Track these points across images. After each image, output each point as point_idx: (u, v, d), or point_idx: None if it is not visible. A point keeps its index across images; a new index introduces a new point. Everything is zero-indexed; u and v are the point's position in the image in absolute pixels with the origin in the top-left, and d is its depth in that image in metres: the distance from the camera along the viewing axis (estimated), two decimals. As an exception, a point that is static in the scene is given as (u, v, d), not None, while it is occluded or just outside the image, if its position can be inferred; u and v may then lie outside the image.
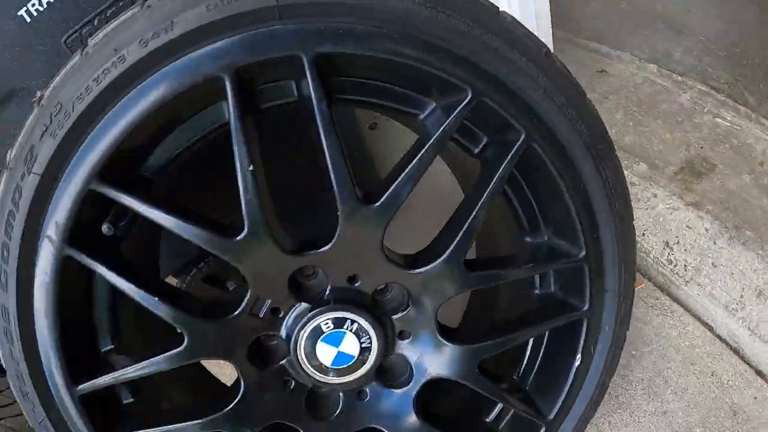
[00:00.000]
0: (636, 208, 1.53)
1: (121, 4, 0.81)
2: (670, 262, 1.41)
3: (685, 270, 1.40)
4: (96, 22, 0.81)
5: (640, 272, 1.46)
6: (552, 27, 1.92)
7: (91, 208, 0.69)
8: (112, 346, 0.84)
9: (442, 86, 0.69)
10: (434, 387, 0.87)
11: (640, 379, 1.28)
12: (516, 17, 0.70)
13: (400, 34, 0.63)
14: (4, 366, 0.75)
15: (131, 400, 0.86)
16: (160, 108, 0.62)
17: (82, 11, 0.80)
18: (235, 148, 0.62)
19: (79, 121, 0.63)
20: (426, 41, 0.65)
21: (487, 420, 0.95)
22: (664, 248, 1.44)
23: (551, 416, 0.90)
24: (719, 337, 1.35)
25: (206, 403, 0.89)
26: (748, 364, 1.30)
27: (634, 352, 1.32)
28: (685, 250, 1.43)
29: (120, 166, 0.66)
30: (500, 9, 0.70)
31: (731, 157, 1.66)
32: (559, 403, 0.90)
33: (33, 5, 0.76)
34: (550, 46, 1.64)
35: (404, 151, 0.72)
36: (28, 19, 0.78)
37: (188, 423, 0.80)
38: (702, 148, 1.69)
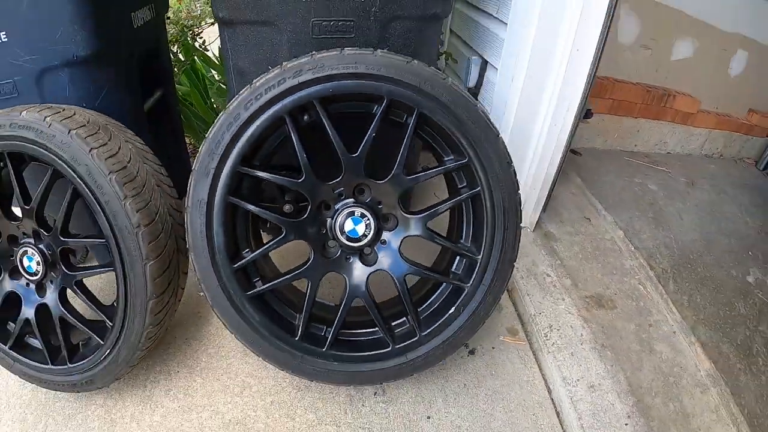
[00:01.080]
0: (547, 299, 2.25)
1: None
2: (546, 336, 2.13)
3: (552, 346, 2.11)
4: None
5: (526, 334, 2.19)
6: (570, 172, 2.67)
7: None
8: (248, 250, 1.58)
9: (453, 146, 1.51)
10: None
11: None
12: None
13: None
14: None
15: (257, 278, 1.59)
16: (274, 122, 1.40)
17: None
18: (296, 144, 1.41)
19: (243, 124, 1.38)
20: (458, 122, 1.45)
21: (452, 269, 1.66)
22: (548, 328, 2.16)
23: (480, 255, 1.54)
24: (551, 398, 1.88)
25: (296, 268, 1.57)
26: (561, 425, 1.79)
27: (493, 380, 2.05)
28: (559, 336, 2.13)
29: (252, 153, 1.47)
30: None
31: (632, 310, 2.29)
32: (483, 248, 1.53)
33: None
34: (552, 174, 2.44)
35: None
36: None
37: (287, 276, 1.55)
38: (616, 294, 2.37)
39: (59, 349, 1.68)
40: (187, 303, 2.09)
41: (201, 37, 2.98)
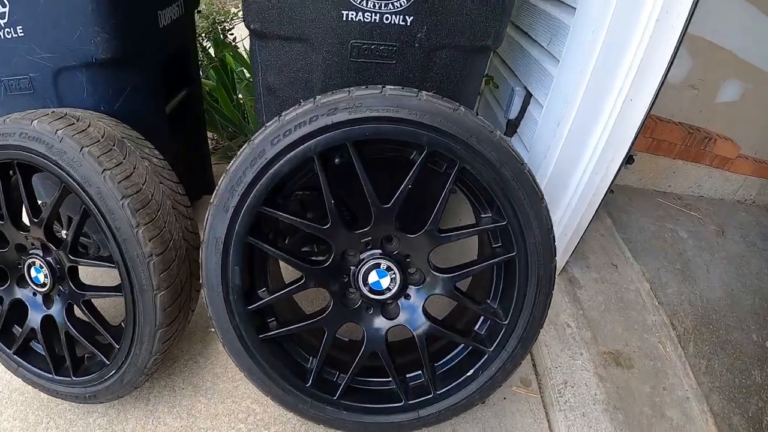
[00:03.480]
0: (565, 352, 2.15)
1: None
2: (560, 393, 1.99)
3: (564, 404, 1.97)
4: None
5: (539, 387, 2.06)
6: (601, 211, 2.51)
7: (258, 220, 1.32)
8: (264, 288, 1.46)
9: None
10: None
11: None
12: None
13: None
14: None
15: (272, 318, 1.47)
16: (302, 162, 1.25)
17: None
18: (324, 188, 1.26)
19: (269, 162, 1.23)
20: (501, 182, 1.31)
21: (475, 328, 1.52)
22: (562, 384, 2.02)
23: (506, 321, 1.41)
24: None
25: (314, 314, 1.46)
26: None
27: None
28: (573, 394, 2.00)
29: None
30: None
31: (648, 371, 2.14)
32: (510, 314, 1.40)
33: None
34: (585, 224, 2.28)
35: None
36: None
37: (302, 323, 1.43)
38: (634, 352, 2.24)
39: (63, 360, 1.59)
40: (195, 315, 1.97)
41: (232, 33, 2.84)
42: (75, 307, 1.55)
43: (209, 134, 2.65)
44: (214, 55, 2.77)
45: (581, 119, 1.79)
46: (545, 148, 1.88)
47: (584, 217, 2.06)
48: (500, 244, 1.40)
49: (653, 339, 2.36)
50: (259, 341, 1.40)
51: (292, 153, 1.22)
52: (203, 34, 2.83)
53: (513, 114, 2.15)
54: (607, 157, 1.89)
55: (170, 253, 1.38)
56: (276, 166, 1.24)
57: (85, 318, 1.54)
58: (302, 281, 1.37)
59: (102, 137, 1.35)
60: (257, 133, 1.25)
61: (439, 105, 1.21)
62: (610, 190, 2.54)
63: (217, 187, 1.28)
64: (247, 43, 2.75)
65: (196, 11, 2.14)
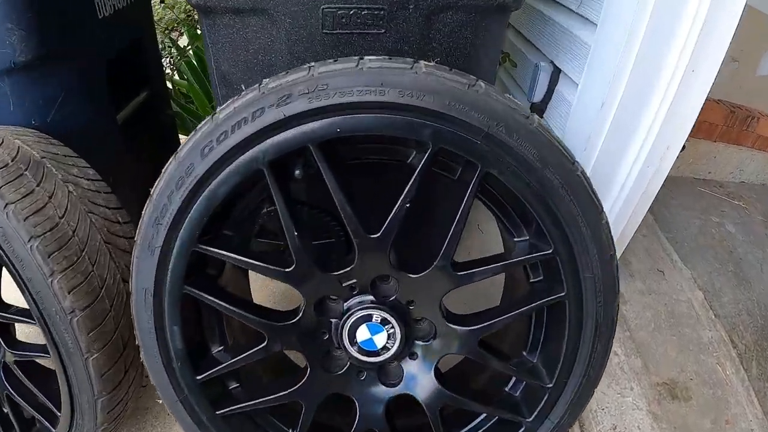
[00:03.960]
0: (612, 388, 1.75)
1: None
2: (608, 441, 1.60)
3: (613, 453, 1.58)
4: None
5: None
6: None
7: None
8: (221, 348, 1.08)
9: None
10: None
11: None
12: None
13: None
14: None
15: (235, 385, 1.09)
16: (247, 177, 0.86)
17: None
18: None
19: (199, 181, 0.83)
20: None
21: (506, 389, 1.10)
22: (611, 428, 1.62)
23: (551, 384, 1.00)
24: None
25: (286, 383, 1.05)
26: None
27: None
28: (625, 441, 1.61)
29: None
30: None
31: (708, 402, 1.77)
32: (557, 375, 0.99)
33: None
34: (633, 229, 1.86)
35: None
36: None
37: (271, 396, 1.03)
38: (691, 380, 1.85)
39: (11, 424, 1.32)
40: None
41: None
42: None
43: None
44: (184, 48, 2.39)
45: (630, 96, 1.36)
46: (585, 136, 1.44)
47: (631, 220, 1.64)
48: (541, 278, 0.98)
49: (711, 360, 1.96)
50: (217, 418, 1.01)
51: (230, 167, 0.81)
52: (170, 27, 2.47)
53: (538, 96, 1.71)
54: (662, 144, 1.47)
55: (101, 305, 1.06)
56: (210, 187, 0.83)
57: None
58: (264, 344, 0.96)
59: (12, 160, 1.01)
60: (185, 142, 0.84)
61: (447, 80, 0.79)
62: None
63: (140, 220, 0.88)
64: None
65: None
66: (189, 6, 2.48)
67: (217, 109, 0.84)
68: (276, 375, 1.21)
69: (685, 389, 1.83)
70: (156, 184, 0.88)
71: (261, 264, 0.89)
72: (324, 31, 1.06)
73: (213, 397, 1.03)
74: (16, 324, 1.27)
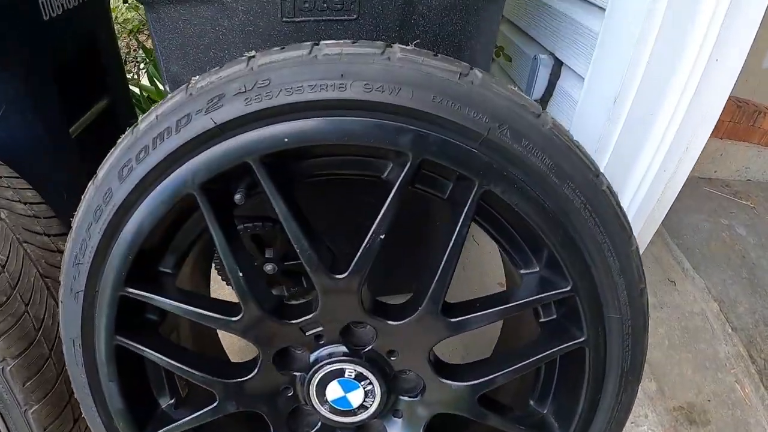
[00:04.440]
0: None
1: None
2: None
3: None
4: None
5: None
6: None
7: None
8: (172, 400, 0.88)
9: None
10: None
11: None
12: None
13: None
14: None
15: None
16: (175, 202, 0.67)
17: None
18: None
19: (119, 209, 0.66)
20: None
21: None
22: (626, 463, 1.44)
23: None
24: None
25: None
26: None
27: None
28: (640, 480, 1.43)
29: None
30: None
31: (726, 423, 1.62)
32: (574, 428, 0.81)
33: None
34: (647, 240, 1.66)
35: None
36: None
37: None
38: (709, 401, 1.67)
39: None
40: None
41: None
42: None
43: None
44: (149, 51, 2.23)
45: (647, 92, 1.17)
46: (594, 137, 1.24)
47: (644, 232, 1.45)
48: (555, 317, 0.77)
49: (729, 379, 1.79)
50: None
51: (154, 192, 0.61)
52: (137, 29, 2.31)
53: (537, 93, 1.51)
54: (681, 144, 1.28)
55: (38, 349, 0.93)
56: (135, 216, 0.64)
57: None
58: (215, 404, 0.76)
59: None
60: (103, 161, 0.64)
61: (432, 68, 0.59)
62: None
63: (62, 260, 0.69)
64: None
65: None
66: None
67: (140, 117, 0.64)
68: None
69: (703, 412, 1.66)
70: (75, 215, 0.68)
71: (200, 311, 0.69)
72: (284, 19, 0.88)
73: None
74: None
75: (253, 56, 0.58)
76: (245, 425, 0.89)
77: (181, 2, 0.87)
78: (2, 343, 0.86)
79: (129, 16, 2.46)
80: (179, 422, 0.82)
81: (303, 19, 0.89)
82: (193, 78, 0.61)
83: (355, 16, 0.90)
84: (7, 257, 0.90)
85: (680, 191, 2.68)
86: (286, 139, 0.57)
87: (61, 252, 1.01)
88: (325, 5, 0.89)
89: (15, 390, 0.91)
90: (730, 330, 1.89)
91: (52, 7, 1.27)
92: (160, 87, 2.27)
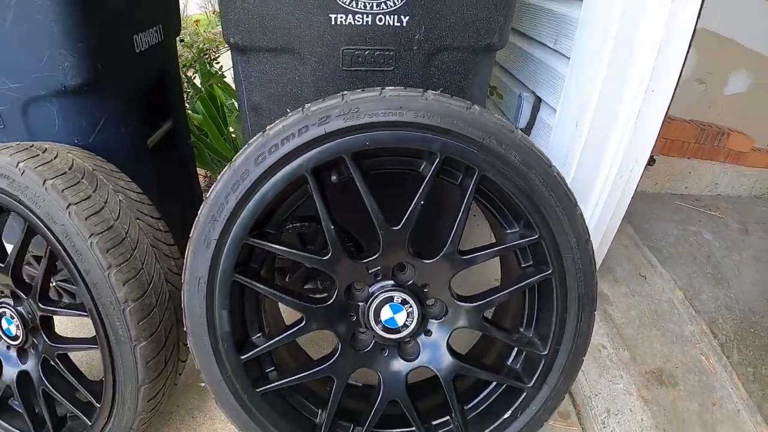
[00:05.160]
0: (604, 376, 1.92)
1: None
2: (603, 424, 1.75)
3: (606, 433, 1.74)
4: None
5: (579, 418, 1.82)
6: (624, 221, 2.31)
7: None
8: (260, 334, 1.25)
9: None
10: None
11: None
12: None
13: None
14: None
15: (271, 368, 1.25)
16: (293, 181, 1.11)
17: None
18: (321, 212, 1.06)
19: (253, 184, 1.03)
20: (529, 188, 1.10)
21: (509, 362, 1.29)
22: (605, 412, 1.78)
23: (546, 351, 1.18)
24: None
25: (318, 362, 1.22)
26: None
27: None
28: (618, 423, 1.75)
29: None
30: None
31: (694, 387, 1.92)
32: (550, 343, 1.17)
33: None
34: (612, 233, 2.06)
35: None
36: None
37: (306, 373, 1.20)
38: (677, 368, 2.00)
39: (44, 421, 1.39)
40: (190, 362, 1.76)
41: (218, 62, 2.68)
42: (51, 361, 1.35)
43: (200, 170, 2.45)
44: (200, 86, 2.60)
45: (601, 116, 1.59)
46: (564, 152, 1.67)
47: (610, 225, 1.85)
48: (531, 263, 1.17)
49: (695, 351, 2.12)
50: (256, 396, 1.17)
51: (280, 172, 1.02)
52: (188, 65, 2.65)
53: (523, 122, 1.95)
54: (632, 155, 1.69)
55: (150, 299, 1.18)
56: (263, 189, 1.03)
57: (62, 374, 1.34)
58: (302, 324, 1.15)
59: (69, 169, 1.17)
60: (239, 153, 1.05)
61: (450, 104, 1.01)
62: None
63: (196, 219, 1.08)
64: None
65: (178, 40, 1.97)
66: (202, 46, 2.72)
67: (268, 127, 1.04)
68: (299, 365, 1.37)
69: (672, 376, 1.99)
70: (212, 188, 1.06)
71: (303, 253, 1.09)
72: (343, 68, 1.27)
73: (253, 378, 1.19)
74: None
75: (345, 94, 1.00)
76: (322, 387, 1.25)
77: (269, 51, 1.25)
78: (127, 289, 1.11)
79: (181, 54, 2.78)
80: (273, 341, 1.16)
81: (356, 68, 1.28)
82: (306, 105, 1.03)
83: (391, 68, 1.31)
84: (129, 226, 1.18)
85: (654, 205, 3.09)
86: (367, 143, 0.99)
87: (162, 231, 1.32)
88: (372, 60, 1.28)
89: (131, 328, 1.13)
90: (694, 312, 2.24)
91: (141, 43, 1.56)
92: (205, 116, 2.60)
